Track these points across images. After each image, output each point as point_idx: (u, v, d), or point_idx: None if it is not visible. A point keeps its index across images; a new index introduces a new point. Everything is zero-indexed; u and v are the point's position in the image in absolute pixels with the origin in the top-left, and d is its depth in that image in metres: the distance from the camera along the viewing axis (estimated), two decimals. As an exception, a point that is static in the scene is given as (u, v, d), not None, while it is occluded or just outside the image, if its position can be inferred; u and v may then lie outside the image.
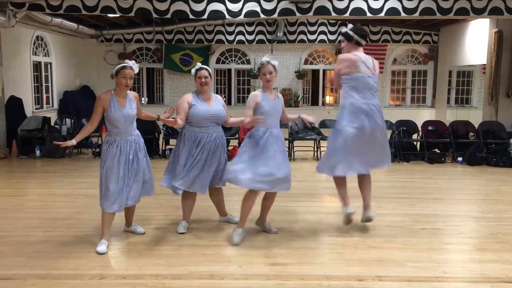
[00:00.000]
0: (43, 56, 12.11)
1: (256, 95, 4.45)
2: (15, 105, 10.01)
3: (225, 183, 4.71)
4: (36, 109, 11.60)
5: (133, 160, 4.36)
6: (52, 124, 10.33)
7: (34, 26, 11.03)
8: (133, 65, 4.32)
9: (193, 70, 4.68)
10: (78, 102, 12.94)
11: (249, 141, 4.45)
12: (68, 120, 10.34)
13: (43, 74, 12.17)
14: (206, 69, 4.64)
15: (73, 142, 4.40)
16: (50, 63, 12.51)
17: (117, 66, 4.30)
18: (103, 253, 4.17)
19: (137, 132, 4.50)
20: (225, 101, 5.05)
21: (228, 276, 3.71)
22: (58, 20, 10.68)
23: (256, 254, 4.19)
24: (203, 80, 4.59)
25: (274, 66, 4.44)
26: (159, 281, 3.61)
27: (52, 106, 12.64)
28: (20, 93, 10.44)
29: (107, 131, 4.38)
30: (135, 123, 4.48)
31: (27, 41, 11.12)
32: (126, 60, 4.39)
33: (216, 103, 4.67)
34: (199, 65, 4.69)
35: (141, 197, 4.57)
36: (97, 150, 9.45)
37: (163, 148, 9.42)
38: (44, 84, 12.23)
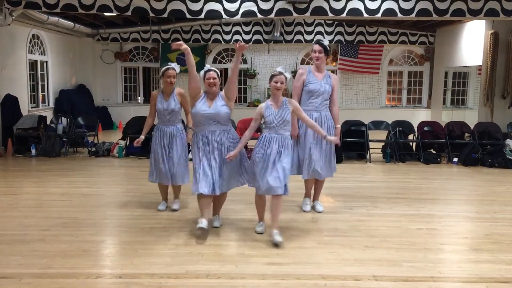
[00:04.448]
0: (39, 54, 12.07)
1: (260, 107, 4.68)
2: (10, 103, 9.97)
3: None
4: (32, 107, 11.56)
5: (167, 146, 5.31)
6: (48, 123, 10.30)
7: (30, 25, 10.99)
8: (175, 66, 5.30)
9: (202, 72, 4.75)
10: (74, 101, 12.92)
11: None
12: (64, 119, 10.31)
13: (39, 72, 12.13)
14: (215, 71, 4.74)
15: (142, 137, 5.46)
16: (46, 62, 12.47)
17: (162, 68, 5.30)
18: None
19: (180, 126, 5.42)
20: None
21: (224, 275, 3.71)
22: (54, 19, 10.64)
23: (252, 253, 4.19)
24: (212, 81, 4.66)
25: (286, 78, 4.64)
26: (155, 280, 3.60)
27: (48, 105, 12.61)
28: (16, 91, 10.40)
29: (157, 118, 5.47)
30: (179, 117, 5.42)
31: (23, 39, 11.08)
32: (169, 63, 5.37)
33: (216, 103, 4.66)
34: (207, 66, 4.80)
35: (170, 183, 5.41)
36: (93, 149, 9.43)
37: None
38: (40, 83, 12.20)
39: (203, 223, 4.50)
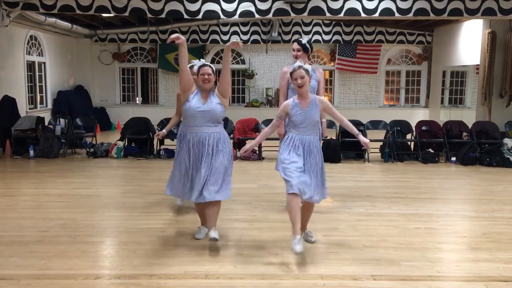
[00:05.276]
0: (37, 55, 12.06)
1: (286, 105, 4.27)
2: (8, 105, 9.95)
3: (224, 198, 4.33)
4: (30, 109, 11.55)
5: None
6: (46, 124, 10.29)
7: (28, 26, 10.98)
8: (198, 64, 4.48)
9: (195, 67, 4.44)
10: (72, 102, 12.92)
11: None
12: (62, 120, 10.30)
13: (37, 73, 12.12)
14: (210, 66, 4.40)
15: (164, 132, 5.38)
16: (44, 63, 12.45)
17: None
18: None
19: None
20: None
21: (223, 275, 3.71)
22: (52, 20, 10.64)
23: (251, 253, 4.19)
24: (206, 77, 4.31)
25: (306, 70, 4.16)
26: (154, 281, 3.60)
27: (46, 106, 12.60)
28: (14, 93, 10.38)
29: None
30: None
31: (20, 40, 11.06)
32: (192, 61, 4.61)
33: (210, 100, 4.31)
34: (202, 61, 4.46)
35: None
36: (91, 150, 9.42)
37: (158, 148, 9.40)
38: (38, 84, 12.19)
39: (201, 233, 4.54)
